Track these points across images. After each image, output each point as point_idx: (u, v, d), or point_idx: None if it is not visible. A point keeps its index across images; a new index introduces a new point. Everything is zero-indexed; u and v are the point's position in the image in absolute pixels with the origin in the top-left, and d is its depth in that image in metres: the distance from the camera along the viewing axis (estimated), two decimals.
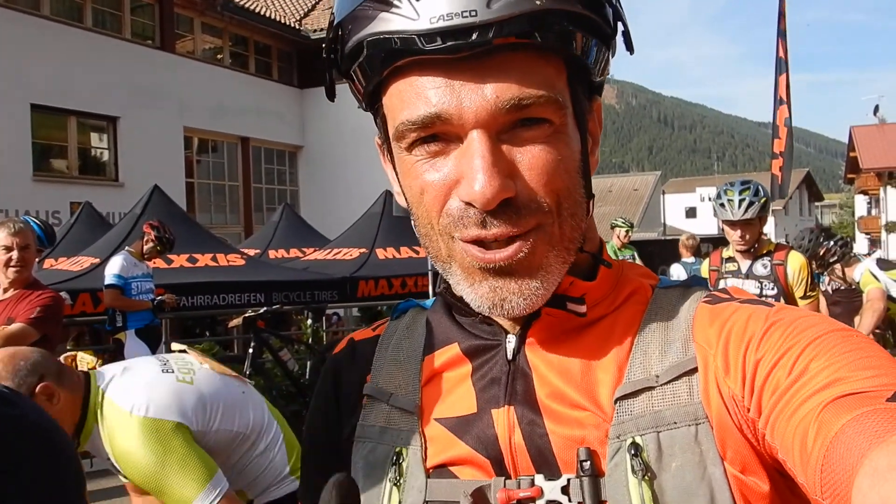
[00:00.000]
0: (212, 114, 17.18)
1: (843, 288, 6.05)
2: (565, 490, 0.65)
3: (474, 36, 0.59)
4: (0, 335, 3.27)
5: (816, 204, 61.91)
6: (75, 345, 7.93)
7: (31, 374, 1.92)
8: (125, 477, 2.11)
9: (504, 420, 0.69)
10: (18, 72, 12.93)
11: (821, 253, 5.72)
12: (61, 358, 2.19)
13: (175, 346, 2.36)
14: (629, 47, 0.71)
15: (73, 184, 14.31)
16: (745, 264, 4.17)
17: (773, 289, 4.05)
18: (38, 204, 12.89)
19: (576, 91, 0.67)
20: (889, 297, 5.27)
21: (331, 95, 0.75)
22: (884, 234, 35.47)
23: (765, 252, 4.15)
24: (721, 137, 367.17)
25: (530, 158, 0.63)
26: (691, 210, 51.03)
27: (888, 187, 34.89)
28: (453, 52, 0.60)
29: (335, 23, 0.66)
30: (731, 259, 4.24)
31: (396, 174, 0.71)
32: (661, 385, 0.66)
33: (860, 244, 35.92)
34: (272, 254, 10.61)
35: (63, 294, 4.81)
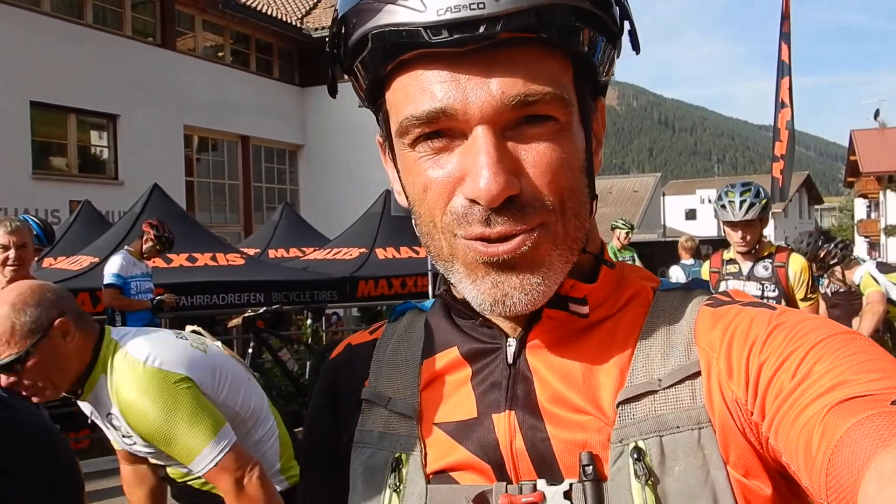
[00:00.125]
0: (212, 112, 17.17)
1: (842, 290, 6.06)
2: (567, 495, 0.64)
3: (482, 29, 0.58)
4: None
5: (816, 207, 61.99)
6: None
7: (53, 306, 1.96)
8: (124, 436, 2.10)
9: (505, 425, 0.68)
10: (18, 68, 12.93)
11: (821, 255, 5.73)
12: None
13: (188, 327, 2.38)
14: (635, 46, 0.70)
15: (72, 182, 14.30)
16: (746, 266, 4.17)
17: (774, 291, 4.05)
18: (37, 202, 12.88)
19: (581, 89, 0.66)
20: (889, 300, 5.28)
21: (332, 92, 0.74)
22: (883, 238, 35.51)
23: (766, 254, 4.16)
24: (721, 140, 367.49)
25: (535, 156, 0.62)
26: (691, 212, 51.08)
27: (888, 191, 34.93)
28: (460, 45, 0.59)
29: (339, 17, 0.66)
30: (732, 261, 4.25)
31: (398, 172, 0.71)
32: (664, 389, 0.65)
33: (859, 247, 35.94)
34: (272, 253, 10.61)
35: None
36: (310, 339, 8.24)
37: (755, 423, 0.60)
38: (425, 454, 0.71)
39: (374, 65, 0.64)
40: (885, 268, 5.71)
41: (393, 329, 0.83)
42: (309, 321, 8.24)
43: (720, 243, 7.89)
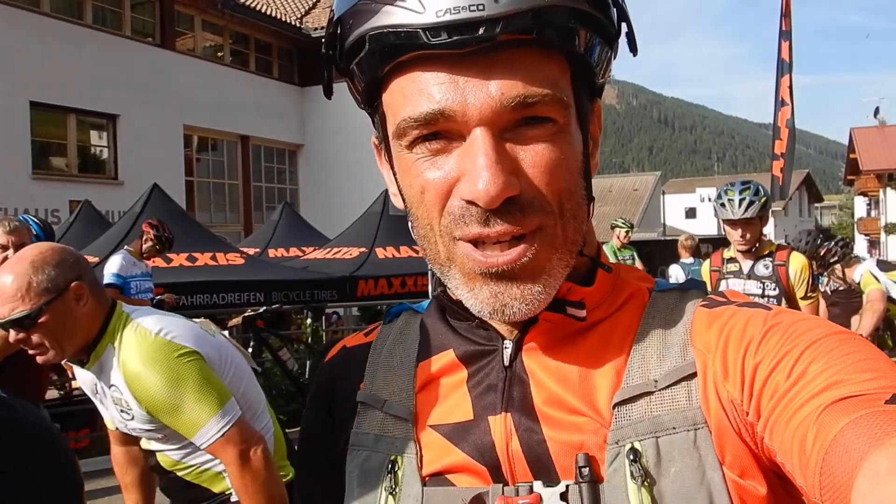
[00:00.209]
0: (212, 112, 17.18)
1: (841, 288, 6.06)
2: (564, 496, 0.64)
3: (481, 31, 0.58)
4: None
5: (816, 205, 61.96)
6: None
7: (71, 269, 1.99)
8: (122, 410, 2.09)
9: (501, 427, 0.68)
10: (18, 69, 12.93)
11: (821, 253, 5.73)
12: None
13: (196, 321, 2.40)
14: (633, 48, 0.70)
15: (72, 182, 14.30)
16: (746, 265, 4.17)
17: (774, 289, 4.05)
18: (37, 202, 12.88)
19: (579, 91, 0.66)
20: (889, 299, 5.27)
21: (328, 93, 0.73)
22: (883, 236, 35.51)
23: (766, 252, 4.16)
24: (721, 138, 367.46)
25: (534, 157, 0.62)
26: (691, 210, 51.06)
27: (888, 189, 34.93)
28: (459, 46, 0.58)
29: (335, 18, 0.65)
30: (732, 259, 4.25)
31: (394, 174, 0.70)
32: (660, 390, 0.65)
33: (859, 246, 35.94)
34: (272, 253, 10.61)
35: None
36: (310, 339, 8.24)
37: (750, 423, 0.61)
38: (421, 456, 0.71)
39: (371, 66, 0.64)
40: (885, 266, 5.70)
41: (388, 331, 0.83)
42: (309, 320, 8.25)
43: (720, 242, 7.89)
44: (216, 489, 2.22)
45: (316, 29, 19.09)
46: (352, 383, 0.79)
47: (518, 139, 0.62)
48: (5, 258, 3.52)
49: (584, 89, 0.67)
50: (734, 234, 4.08)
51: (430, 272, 7.95)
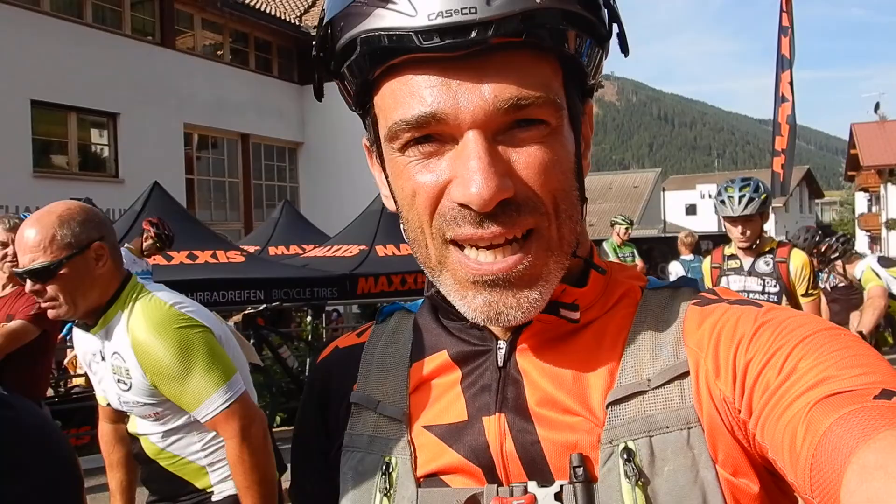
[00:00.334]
0: (212, 110, 17.16)
1: (841, 285, 6.06)
2: (558, 496, 0.64)
3: (473, 34, 0.57)
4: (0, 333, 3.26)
5: (817, 201, 61.89)
6: None
7: (95, 229, 2.02)
8: (119, 380, 2.07)
9: (495, 428, 0.68)
10: (18, 67, 12.92)
11: (822, 249, 5.73)
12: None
13: None
14: (624, 49, 0.70)
15: (73, 180, 14.30)
16: (747, 261, 4.17)
17: (775, 286, 4.05)
18: (38, 200, 12.83)
19: (571, 92, 0.66)
20: (890, 295, 5.27)
21: (318, 95, 0.73)
22: (884, 232, 35.49)
23: (767, 249, 4.16)
24: (721, 134, 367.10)
25: (527, 158, 0.62)
26: (691, 207, 51.00)
27: (888, 184, 34.89)
28: (451, 50, 0.58)
29: (326, 20, 0.65)
30: (733, 256, 4.25)
31: (386, 176, 0.70)
32: (653, 389, 0.66)
33: (860, 242, 35.93)
34: (272, 250, 10.61)
35: None
36: (310, 336, 8.25)
37: (743, 420, 0.61)
38: (415, 457, 0.71)
39: (363, 69, 0.63)
40: (886, 262, 5.70)
41: (381, 331, 0.82)
42: (309, 318, 8.25)
43: (720, 239, 7.89)
44: (198, 484, 2.19)
45: (315, 27, 19.05)
46: (345, 384, 0.79)
47: (511, 141, 0.62)
48: (5, 255, 3.52)
49: (576, 90, 0.67)
50: (735, 231, 4.08)
51: None
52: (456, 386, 0.72)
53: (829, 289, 6.18)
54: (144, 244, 6.15)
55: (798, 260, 4.09)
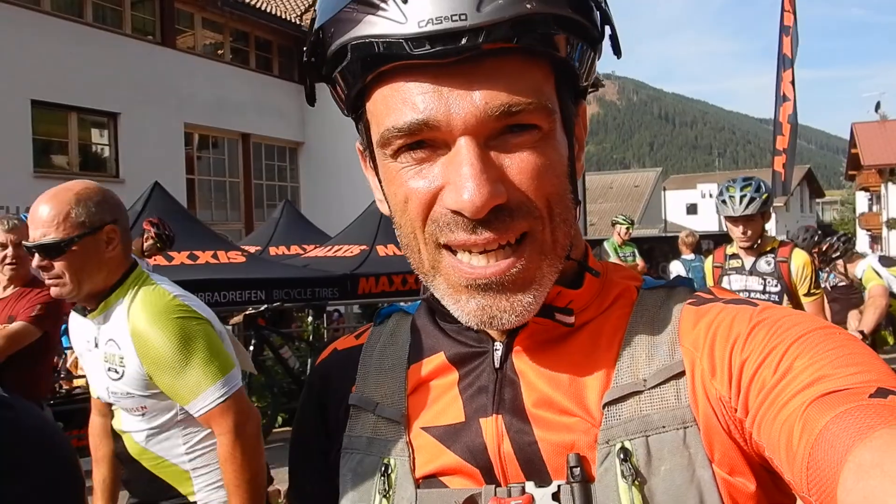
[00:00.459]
0: (212, 110, 17.16)
1: (841, 284, 6.06)
2: (556, 496, 0.65)
3: (464, 41, 0.57)
4: (0, 334, 3.25)
5: (817, 201, 61.86)
6: None
7: (110, 212, 2.03)
8: (111, 368, 2.04)
9: (492, 429, 0.69)
10: (19, 67, 12.92)
11: (823, 248, 5.73)
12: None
13: None
14: (616, 51, 0.70)
15: (73, 180, 14.29)
16: (748, 261, 4.17)
17: (776, 286, 4.05)
18: None
19: (564, 96, 0.66)
20: (891, 294, 5.27)
21: (311, 100, 0.74)
22: (885, 231, 35.48)
23: (768, 249, 4.16)
24: (722, 134, 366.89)
25: (519, 163, 0.62)
26: (692, 206, 50.99)
27: (889, 184, 34.88)
28: (441, 56, 0.58)
29: (317, 26, 0.64)
30: (734, 256, 4.25)
31: (379, 181, 0.70)
32: (649, 389, 0.66)
33: (861, 241, 35.91)
34: (273, 251, 10.60)
35: None
36: (311, 337, 8.25)
37: (739, 419, 0.61)
38: (413, 459, 0.71)
39: (354, 75, 0.63)
40: (887, 261, 5.70)
41: (379, 333, 0.83)
42: (310, 318, 8.24)
43: (721, 238, 7.89)
44: (181, 489, 2.12)
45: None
46: (344, 386, 0.80)
47: (503, 147, 0.62)
48: (5, 257, 3.52)
49: (568, 93, 0.67)
50: (736, 231, 4.09)
51: None
52: (453, 387, 0.73)
53: (829, 288, 6.18)
54: (145, 244, 6.15)
55: (799, 259, 4.08)
